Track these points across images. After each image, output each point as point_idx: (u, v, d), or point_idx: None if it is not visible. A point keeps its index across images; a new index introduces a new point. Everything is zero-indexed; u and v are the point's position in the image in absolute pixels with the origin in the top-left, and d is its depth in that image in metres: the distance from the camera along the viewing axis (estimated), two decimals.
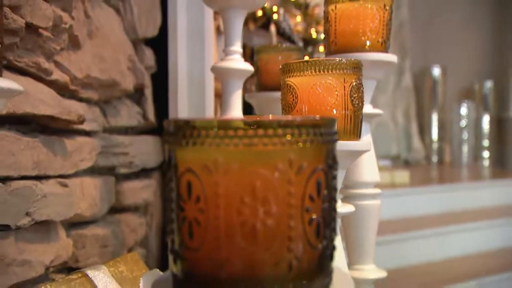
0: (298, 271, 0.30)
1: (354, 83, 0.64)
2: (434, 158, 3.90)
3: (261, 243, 0.29)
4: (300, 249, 0.30)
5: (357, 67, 0.64)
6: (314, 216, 0.30)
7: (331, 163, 0.31)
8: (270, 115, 0.30)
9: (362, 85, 0.65)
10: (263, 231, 0.29)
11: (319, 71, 0.63)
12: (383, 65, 0.78)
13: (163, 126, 0.32)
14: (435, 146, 3.92)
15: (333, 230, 0.32)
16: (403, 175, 2.64)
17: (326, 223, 0.31)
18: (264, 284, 0.29)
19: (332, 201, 0.32)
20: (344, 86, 0.63)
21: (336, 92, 0.63)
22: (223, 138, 0.29)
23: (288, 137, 0.29)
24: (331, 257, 0.32)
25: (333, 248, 0.32)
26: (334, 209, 0.32)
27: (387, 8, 0.77)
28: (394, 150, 3.76)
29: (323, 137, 0.30)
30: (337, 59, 0.63)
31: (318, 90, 0.63)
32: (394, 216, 2.26)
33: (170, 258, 0.32)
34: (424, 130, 3.95)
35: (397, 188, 2.43)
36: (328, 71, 0.63)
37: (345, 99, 0.63)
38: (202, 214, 0.30)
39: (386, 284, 1.70)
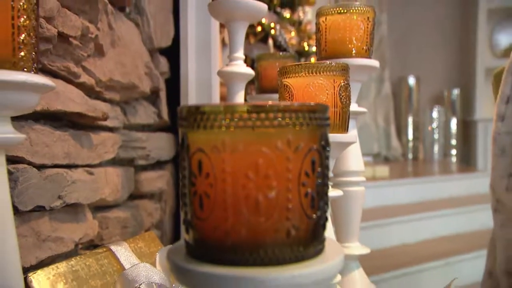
0: (295, 238, 0.29)
1: (342, 83, 0.63)
2: (410, 155, 3.91)
3: (263, 213, 0.29)
4: (297, 218, 0.29)
5: (344, 69, 0.63)
6: (309, 190, 0.30)
7: (324, 144, 0.31)
8: (270, 101, 0.30)
9: (349, 85, 0.65)
10: (264, 203, 0.29)
11: (312, 73, 0.62)
12: (367, 69, 0.77)
13: (175, 124, 0.31)
14: (410, 145, 3.93)
15: (326, 203, 0.31)
16: (383, 170, 2.64)
17: (320, 196, 0.31)
18: (265, 249, 0.29)
19: (325, 177, 0.31)
20: (334, 86, 0.63)
21: (327, 91, 0.62)
22: (229, 121, 0.28)
23: (287, 120, 0.29)
24: (323, 227, 0.31)
25: (326, 218, 0.32)
26: (327, 185, 0.32)
27: (370, 20, 0.77)
28: (376, 148, 3.76)
29: (317, 121, 0.30)
30: (328, 62, 0.62)
31: (311, 89, 0.62)
32: (375, 205, 2.26)
33: (183, 227, 0.32)
34: (401, 131, 3.96)
35: (378, 180, 2.43)
36: (319, 73, 0.62)
37: (334, 97, 0.63)
38: (211, 188, 0.29)
39: (369, 262, 1.70)
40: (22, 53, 0.43)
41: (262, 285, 0.28)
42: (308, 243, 0.30)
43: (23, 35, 0.43)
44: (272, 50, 2.08)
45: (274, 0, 2.26)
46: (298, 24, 2.31)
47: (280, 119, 0.28)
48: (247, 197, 0.28)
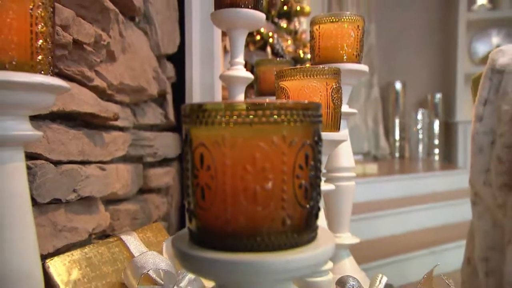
0: (290, 226, 0.29)
1: (334, 86, 0.63)
2: (397, 154, 3.91)
3: (260, 203, 0.28)
4: (291, 208, 0.29)
5: (336, 73, 0.63)
6: (303, 182, 0.29)
7: (317, 140, 0.31)
8: (267, 99, 0.29)
9: (341, 88, 0.64)
10: (261, 194, 0.28)
11: (306, 76, 0.62)
12: (357, 73, 0.77)
13: (181, 125, 0.31)
14: (397, 144, 3.93)
15: (318, 194, 0.31)
16: (372, 167, 2.64)
17: (313, 188, 0.30)
18: (262, 236, 0.29)
19: (318, 170, 0.31)
20: (326, 88, 0.62)
21: (320, 93, 0.62)
22: (229, 118, 0.28)
23: (282, 117, 0.28)
24: (316, 216, 0.31)
25: (318, 208, 0.31)
26: (319, 177, 0.31)
27: (360, 28, 0.77)
28: (366, 147, 3.76)
29: (310, 118, 0.30)
30: (321, 66, 0.62)
31: (305, 91, 0.62)
32: (366, 200, 2.26)
33: (187, 216, 0.31)
34: (388, 131, 3.96)
35: (367, 177, 2.43)
36: (313, 76, 0.62)
37: (327, 98, 0.63)
38: (212, 180, 0.29)
39: (360, 252, 1.70)
40: (40, 57, 0.43)
41: (260, 269, 0.28)
42: (302, 231, 0.30)
43: (41, 41, 0.43)
44: (270, 56, 2.08)
45: (272, 11, 2.26)
46: (294, 33, 2.31)
47: (276, 116, 0.28)
48: (245, 188, 0.28)
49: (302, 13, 2.43)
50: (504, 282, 0.51)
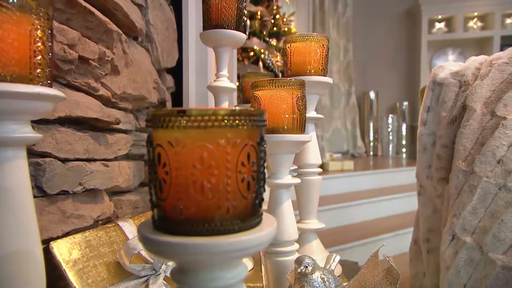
0: (234, 214, 0.29)
1: (299, 95, 0.63)
2: (371, 152, 3.91)
3: (207, 195, 0.28)
4: (235, 199, 0.29)
5: (301, 84, 0.63)
6: (245, 176, 0.29)
7: (259, 141, 0.30)
8: (228, 107, 0.29)
9: (305, 97, 0.64)
10: (208, 187, 0.28)
11: (276, 87, 0.62)
12: (322, 84, 0.77)
13: None
14: (371, 144, 3.93)
15: (261, 186, 0.31)
16: (349, 164, 2.63)
17: (255, 181, 0.30)
18: (210, 222, 0.28)
19: (260, 166, 0.30)
20: (292, 97, 0.62)
21: (287, 101, 0.62)
22: (180, 122, 0.28)
23: (226, 122, 0.28)
24: (259, 205, 0.31)
25: (262, 199, 0.31)
26: (262, 172, 0.31)
27: (325, 46, 0.77)
28: (345, 147, 3.76)
29: (252, 123, 0.29)
30: (288, 79, 0.62)
31: (274, 99, 0.62)
32: (343, 191, 2.26)
33: (151, 206, 0.31)
34: (364, 133, 3.96)
35: (345, 172, 2.43)
36: (281, 87, 0.62)
37: (293, 106, 0.62)
38: (167, 176, 0.29)
39: (337, 236, 1.69)
40: (38, 71, 0.43)
41: (209, 250, 0.28)
42: (246, 217, 0.30)
43: (39, 57, 0.43)
44: (262, 69, 2.07)
45: (264, 31, 2.26)
46: (282, 50, 2.31)
47: (220, 121, 0.28)
48: (194, 182, 0.28)
49: (289, 33, 2.43)
50: (440, 258, 0.51)
